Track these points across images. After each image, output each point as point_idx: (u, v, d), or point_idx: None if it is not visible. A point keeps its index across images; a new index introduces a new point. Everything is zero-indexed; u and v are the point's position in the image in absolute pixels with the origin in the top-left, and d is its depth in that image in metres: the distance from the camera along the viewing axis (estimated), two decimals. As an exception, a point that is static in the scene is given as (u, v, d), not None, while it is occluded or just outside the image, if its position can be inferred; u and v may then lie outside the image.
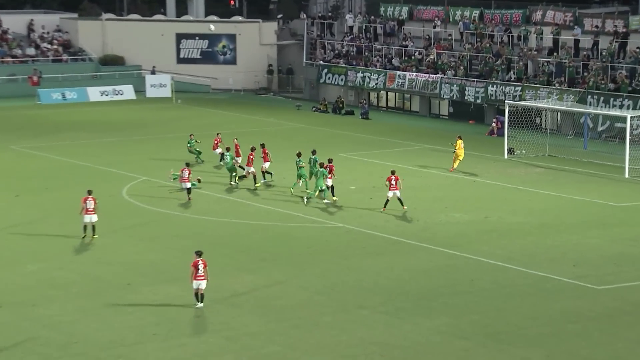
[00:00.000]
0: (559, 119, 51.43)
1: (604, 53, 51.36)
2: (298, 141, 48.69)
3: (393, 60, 61.87)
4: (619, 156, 41.95)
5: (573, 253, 28.50)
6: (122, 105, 63.82)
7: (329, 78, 64.31)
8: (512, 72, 54.59)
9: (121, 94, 66.84)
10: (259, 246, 29.40)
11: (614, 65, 50.60)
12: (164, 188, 37.69)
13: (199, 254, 23.64)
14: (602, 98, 48.60)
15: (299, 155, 36.37)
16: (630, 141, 40.69)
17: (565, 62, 52.11)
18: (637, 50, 49.72)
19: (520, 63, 54.41)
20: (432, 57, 59.69)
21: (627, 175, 39.99)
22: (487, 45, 57.28)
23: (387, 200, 33.18)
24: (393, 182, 32.95)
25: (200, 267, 23.41)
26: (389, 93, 61.92)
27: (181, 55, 71.55)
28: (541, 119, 50.85)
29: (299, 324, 22.57)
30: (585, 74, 50.72)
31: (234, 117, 58.14)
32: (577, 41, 53.67)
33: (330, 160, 35.38)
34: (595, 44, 52.62)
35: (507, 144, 44.79)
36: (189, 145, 43.65)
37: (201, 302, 23.47)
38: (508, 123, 45.63)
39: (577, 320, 22.74)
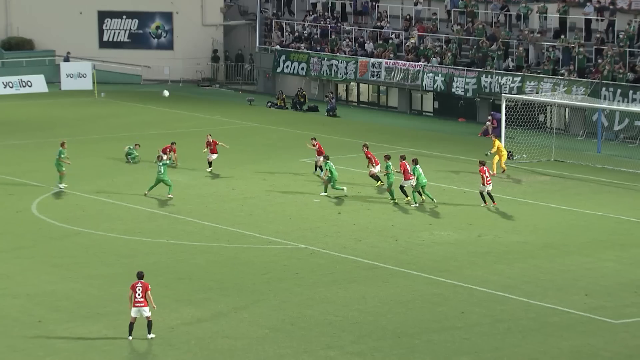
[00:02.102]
0: (566, 117, 51.99)
1: (621, 36, 52.04)
2: (250, 143, 48.71)
3: (366, 44, 62.15)
4: (639, 161, 42.46)
5: (585, 280, 28.77)
6: (30, 99, 63.34)
7: (287, 67, 64.44)
8: (509, 59, 55.12)
9: (29, 86, 66.37)
10: (202, 273, 29.31)
11: (634, 51, 51.29)
12: (85, 201, 37.48)
13: (139, 275, 24.01)
14: (619, 90, 49.23)
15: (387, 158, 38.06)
16: (652, 143, 41.26)
17: (574, 47, 52.72)
18: (661, 32, 50.48)
19: (520, 48, 54.96)
20: (413, 41, 60.06)
21: (649, 185, 40.54)
22: (480, 26, 57.80)
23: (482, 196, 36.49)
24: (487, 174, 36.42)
25: (139, 290, 23.66)
26: (360, 85, 62.15)
27: (105, 38, 71.25)
28: (545, 117, 51.35)
29: (251, 369, 22.55)
30: (599, 61, 51.37)
31: (171, 115, 57.98)
32: (588, 21, 54.33)
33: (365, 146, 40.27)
34: (610, 25, 53.31)
35: (504, 147, 45.15)
36: (130, 156, 44.16)
37: (149, 333, 23.78)
38: (505, 121, 46.03)
39: (591, 361, 22.96)
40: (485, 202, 36.52)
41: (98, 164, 44.18)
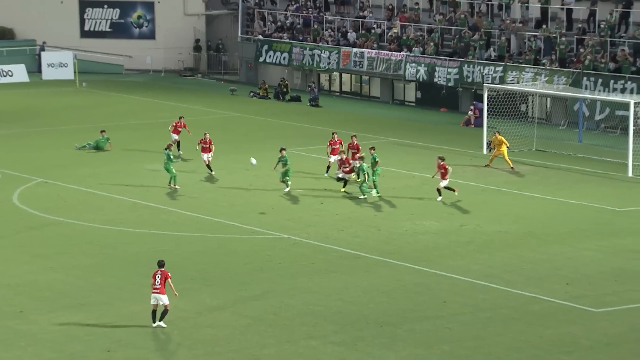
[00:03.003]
0: (548, 106, 52.13)
1: (602, 26, 52.19)
2: (232, 133, 48.65)
3: (348, 34, 62.10)
4: (620, 151, 42.67)
5: (566, 269, 28.90)
6: (11, 89, 63.02)
7: (269, 56, 64.33)
8: (491, 49, 55.19)
9: (10, 76, 66.05)
10: (184, 263, 29.28)
11: (615, 41, 51.45)
12: (67, 191, 37.36)
13: (160, 263, 24.19)
14: (600, 80, 49.39)
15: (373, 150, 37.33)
16: (634, 132, 41.38)
17: (555, 37, 52.84)
18: (642, 22, 50.61)
19: (502, 38, 55.04)
20: (395, 30, 60.05)
21: (630, 174, 40.70)
22: (462, 16, 57.85)
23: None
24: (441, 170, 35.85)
25: (158, 278, 23.84)
26: (343, 75, 62.13)
27: (86, 28, 70.93)
28: (527, 106, 51.47)
29: (234, 359, 22.51)
30: (580, 50, 51.50)
31: (153, 104, 57.82)
32: (569, 11, 54.43)
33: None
34: (591, 14, 53.43)
35: (486, 137, 45.27)
36: (94, 143, 44.12)
37: (160, 321, 23.91)
38: (487, 111, 46.12)
39: (572, 350, 23.03)
40: (440, 196, 36.07)
41: (79, 154, 44.04)
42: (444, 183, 36.13)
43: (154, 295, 23.97)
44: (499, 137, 41.48)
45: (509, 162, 40.96)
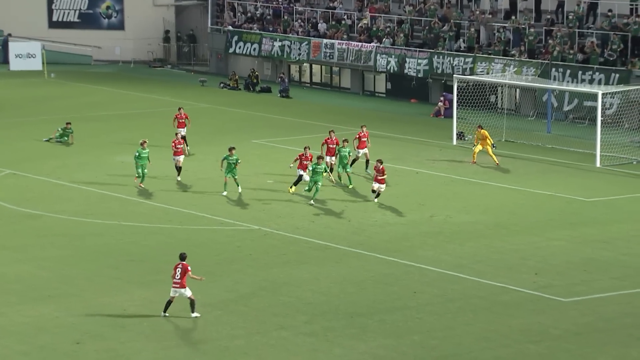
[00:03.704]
0: (517, 97, 52.35)
1: (570, 17, 52.45)
2: (202, 124, 48.47)
3: (318, 25, 62.03)
4: (588, 141, 42.92)
5: (534, 259, 29.06)
6: (-20, 80, 62.53)
7: (239, 47, 64.15)
8: (461, 40, 55.34)
9: (-23, 67, 65.49)
10: (154, 254, 29.19)
11: (583, 32, 51.73)
12: (36, 182, 37.12)
13: (181, 257, 24.23)
14: (568, 71, 49.64)
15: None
16: (602, 123, 41.65)
17: (524, 28, 53.06)
18: (610, 13, 50.90)
19: (472, 29, 55.19)
20: (365, 21, 60.06)
21: (598, 165, 40.96)
22: (432, 7, 57.94)
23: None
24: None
25: (178, 271, 23.92)
26: (313, 66, 62.06)
27: (54, 18, 70.42)
28: (496, 97, 51.66)
29: (205, 350, 22.49)
30: (549, 42, 51.74)
31: (122, 96, 57.53)
32: (538, 2, 54.67)
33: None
34: (560, 5, 53.68)
35: (456, 128, 45.41)
36: (60, 130, 43.67)
37: (193, 313, 23.95)
38: (457, 102, 46.25)
39: (541, 339, 23.17)
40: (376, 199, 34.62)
41: (48, 146, 43.76)
42: (376, 185, 34.35)
43: (174, 289, 23.99)
44: (482, 131, 40.70)
45: (494, 157, 40.39)
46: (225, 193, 35.37)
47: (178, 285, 24.00)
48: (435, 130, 47.64)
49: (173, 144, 37.73)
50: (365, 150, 38.82)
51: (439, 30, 55.91)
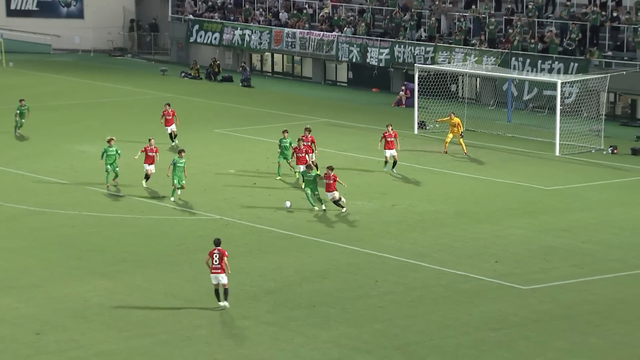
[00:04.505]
0: (478, 86, 52.64)
1: (530, 6, 52.79)
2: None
3: (280, 14, 61.93)
4: (548, 130, 43.27)
5: (495, 247, 29.30)
6: (-63, 69, 61.85)
7: (200, 36, 63.91)
8: (422, 29, 55.50)
9: None
10: (115, 244, 29.10)
11: (542, 21, 52.09)
12: (-6, 174, 36.88)
13: (216, 242, 24.04)
14: (528, 60, 49.98)
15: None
16: (561, 112, 42.01)
17: (485, 17, 53.32)
18: (569, 3, 51.29)
19: (433, 18, 55.38)
20: (326, 11, 60.06)
21: (557, 153, 41.32)
22: (393, -4, 58.04)
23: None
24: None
25: (216, 257, 23.74)
26: (275, 55, 61.98)
27: (12, 7, 69.71)
28: (457, 86, 51.91)
29: (166, 340, 22.47)
30: (509, 31, 52.05)
31: (82, 85, 57.15)
32: (499, -8, 54.97)
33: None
34: (520, -5, 54.05)
35: (417, 117, 45.59)
36: (18, 112, 42.94)
37: (225, 301, 23.83)
38: (418, 91, 46.43)
39: (501, 327, 23.39)
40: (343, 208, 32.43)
41: (7, 136, 43.39)
42: (330, 195, 32.25)
43: (214, 276, 23.86)
44: (455, 118, 40.52)
45: (463, 146, 40.42)
46: (172, 199, 33.35)
47: (219, 271, 23.81)
48: (396, 119, 47.68)
49: (144, 150, 34.85)
50: (393, 152, 36.70)
51: (400, 20, 56.05)
